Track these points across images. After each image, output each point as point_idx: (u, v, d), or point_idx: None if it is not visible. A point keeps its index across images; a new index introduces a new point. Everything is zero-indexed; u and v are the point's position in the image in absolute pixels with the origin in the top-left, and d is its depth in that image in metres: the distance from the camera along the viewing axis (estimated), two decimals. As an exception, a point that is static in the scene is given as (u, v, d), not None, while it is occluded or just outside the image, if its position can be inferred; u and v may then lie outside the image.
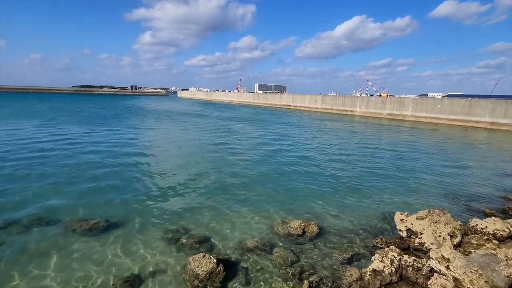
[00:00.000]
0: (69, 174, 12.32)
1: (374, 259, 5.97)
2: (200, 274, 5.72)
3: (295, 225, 8.10)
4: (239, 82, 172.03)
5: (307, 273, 6.22)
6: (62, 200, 9.61)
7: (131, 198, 10.06)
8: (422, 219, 7.37)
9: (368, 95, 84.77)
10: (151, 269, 6.23)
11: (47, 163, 13.98)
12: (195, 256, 6.13)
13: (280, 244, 7.44)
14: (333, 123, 40.46)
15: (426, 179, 13.56)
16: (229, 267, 6.26)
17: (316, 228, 8.07)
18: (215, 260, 5.96)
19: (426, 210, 7.57)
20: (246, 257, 6.78)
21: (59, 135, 22.45)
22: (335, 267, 6.48)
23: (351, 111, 56.30)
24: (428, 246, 6.79)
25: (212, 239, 7.56)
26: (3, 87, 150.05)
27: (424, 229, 7.14)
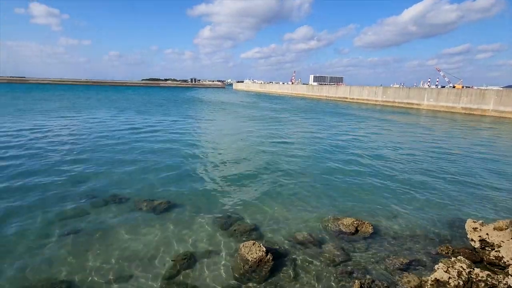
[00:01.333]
0: (138, 159, 13.84)
1: (438, 268, 5.41)
2: (250, 260, 5.93)
3: (347, 222, 7.79)
4: (294, 74, 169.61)
5: (358, 273, 5.96)
6: (131, 181, 10.87)
7: (189, 183, 10.85)
8: (501, 229, 6.39)
9: (439, 87, 75.45)
10: (204, 249, 6.68)
11: (120, 148, 15.93)
12: (245, 242, 6.37)
13: (331, 240, 7.26)
14: (394, 116, 37.22)
15: (509, 186, 11.65)
16: (278, 257, 6.35)
17: (370, 228, 7.64)
18: (264, 249, 6.11)
19: (508, 220, 6.54)
20: (295, 250, 6.80)
21: (130, 123, 25.32)
22: (390, 271, 6.07)
23: (417, 104, 50.96)
24: (507, 261, 5.88)
25: (262, 228, 7.75)
26: (88, 80, 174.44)
27: (503, 242, 6.19)
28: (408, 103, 52.84)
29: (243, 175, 11.99)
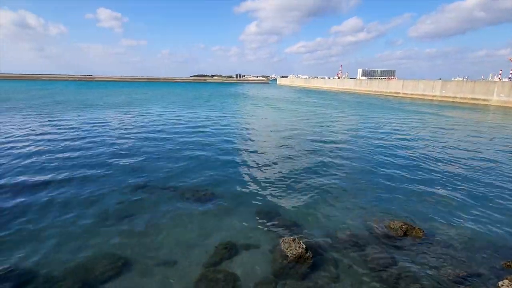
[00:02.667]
0: (185, 152, 14.66)
1: (502, 285, 4.81)
2: (289, 256, 5.94)
3: (395, 225, 7.31)
4: (340, 68, 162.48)
5: (404, 281, 5.58)
6: (179, 172, 11.57)
7: (232, 177, 11.18)
8: None
9: (513, 80, 65.61)
10: (244, 241, 6.84)
11: (170, 141, 17.04)
12: (285, 238, 6.39)
13: (375, 243, 6.88)
14: (457, 113, 33.48)
15: None
16: (318, 255, 6.24)
17: (421, 233, 7.07)
18: (304, 246, 6.05)
19: None
20: (336, 250, 6.60)
21: (179, 118, 26.90)
22: (442, 282, 5.56)
23: (484, 100, 45.06)
24: None
25: (302, 225, 7.66)
26: (143, 77, 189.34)
27: None
28: (472, 99, 47.01)
29: (285, 171, 11.96)
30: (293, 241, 6.24)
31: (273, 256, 6.24)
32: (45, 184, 9.95)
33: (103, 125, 21.54)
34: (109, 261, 5.95)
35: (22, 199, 8.73)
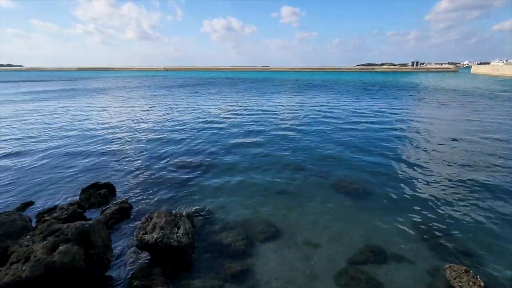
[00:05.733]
0: (344, 141, 14.50)
1: None
2: (456, 288, 4.78)
3: None
4: None
5: None
6: (335, 161, 11.63)
7: (390, 176, 10.03)
8: None
9: None
10: (395, 251, 6.07)
11: (331, 129, 17.30)
12: (454, 265, 5.17)
13: None
14: None
15: None
16: (504, 304, 4.65)
17: None
18: (483, 284, 4.67)
19: None
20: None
21: (341, 107, 26.62)
22: None
23: None
24: None
25: (480, 256, 5.88)
26: (311, 68, 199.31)
27: None
28: None
29: (463, 184, 9.41)
30: (465, 272, 4.95)
31: (433, 281, 5.20)
32: (230, 149, 12.80)
33: (274, 110, 24.82)
34: (266, 225, 6.97)
35: (203, 161, 11.66)
